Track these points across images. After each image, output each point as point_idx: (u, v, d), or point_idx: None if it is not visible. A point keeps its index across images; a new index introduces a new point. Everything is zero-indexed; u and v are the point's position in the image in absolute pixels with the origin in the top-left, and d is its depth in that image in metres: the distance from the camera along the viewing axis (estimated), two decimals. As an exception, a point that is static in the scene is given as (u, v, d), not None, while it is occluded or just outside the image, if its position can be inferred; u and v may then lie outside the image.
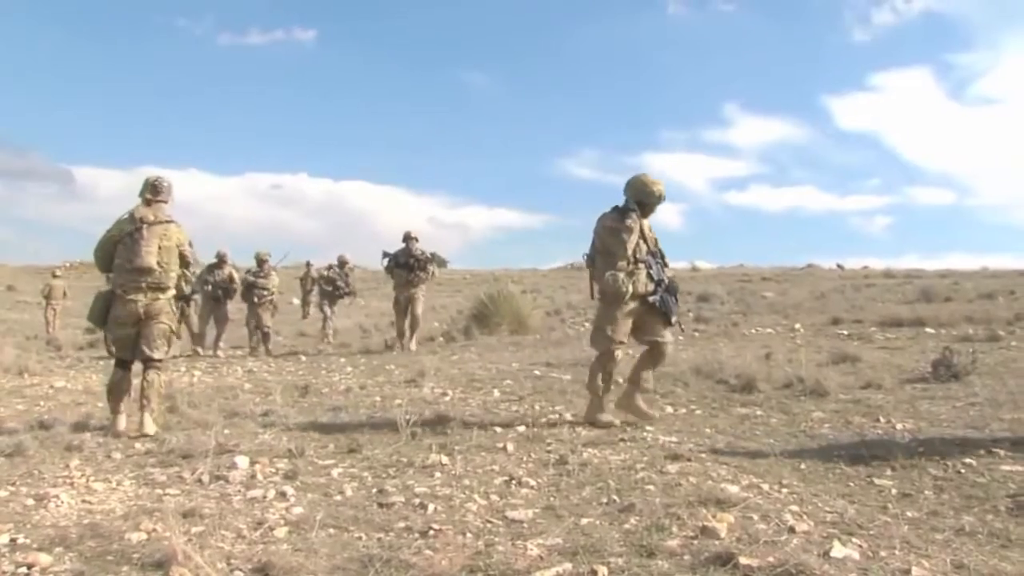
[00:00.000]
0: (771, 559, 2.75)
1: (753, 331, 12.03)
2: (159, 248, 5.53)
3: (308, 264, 23.34)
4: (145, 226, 5.51)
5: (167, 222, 5.64)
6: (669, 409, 6.10)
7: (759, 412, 5.90)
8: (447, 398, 6.73)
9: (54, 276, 20.67)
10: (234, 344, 13.30)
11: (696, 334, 11.99)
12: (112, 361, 5.62)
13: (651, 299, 5.51)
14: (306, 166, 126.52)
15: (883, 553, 2.94)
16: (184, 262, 5.74)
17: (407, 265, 11.68)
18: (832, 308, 14.19)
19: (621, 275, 5.40)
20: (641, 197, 5.54)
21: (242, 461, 4.38)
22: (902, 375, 7.05)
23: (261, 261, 13.08)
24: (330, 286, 14.28)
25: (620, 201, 5.64)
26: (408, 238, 11.80)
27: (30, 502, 3.70)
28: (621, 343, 5.55)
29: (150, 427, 5.34)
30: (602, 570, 2.72)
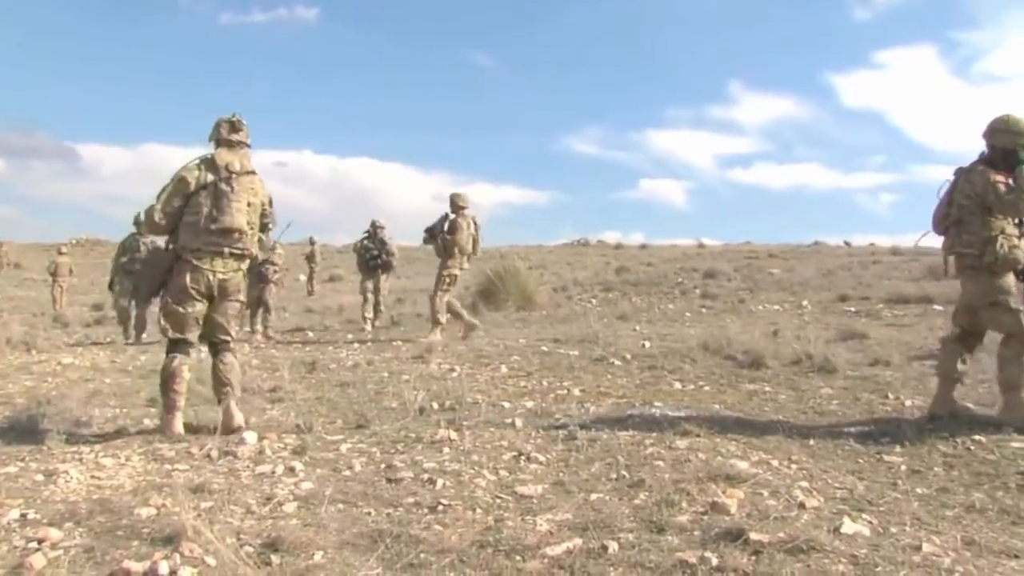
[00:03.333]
0: (781, 535, 2.74)
1: (760, 308, 11.99)
2: (248, 205, 4.53)
3: (312, 241, 23.37)
4: (234, 176, 4.46)
5: (253, 173, 4.65)
6: (677, 385, 6.09)
7: (767, 388, 5.89)
8: (454, 374, 6.72)
9: (60, 253, 20.63)
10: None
11: (703, 310, 11.96)
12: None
13: None
14: (310, 143, 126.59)
15: (893, 529, 2.94)
16: (263, 224, 4.77)
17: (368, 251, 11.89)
18: (839, 285, 14.11)
19: (1014, 239, 4.44)
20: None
21: (250, 437, 4.38)
22: (910, 352, 7.01)
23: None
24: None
25: (971, 153, 4.61)
26: (374, 227, 11.98)
27: (40, 478, 3.71)
28: None
29: (240, 417, 4.58)
30: (612, 545, 2.72)
